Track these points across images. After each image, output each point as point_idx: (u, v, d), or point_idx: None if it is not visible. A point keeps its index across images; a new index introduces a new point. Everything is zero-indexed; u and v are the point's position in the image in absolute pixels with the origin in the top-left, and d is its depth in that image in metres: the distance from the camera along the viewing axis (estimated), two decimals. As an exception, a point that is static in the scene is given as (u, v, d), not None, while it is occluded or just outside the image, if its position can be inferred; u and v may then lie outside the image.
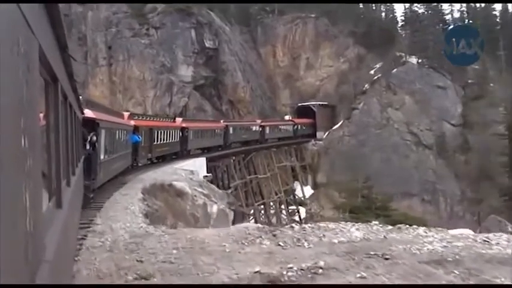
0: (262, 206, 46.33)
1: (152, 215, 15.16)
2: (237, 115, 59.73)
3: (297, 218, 54.20)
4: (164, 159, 32.01)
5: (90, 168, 14.79)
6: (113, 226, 12.55)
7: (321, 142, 59.68)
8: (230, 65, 60.95)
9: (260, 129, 51.78)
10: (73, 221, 6.80)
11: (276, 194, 50.36)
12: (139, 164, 27.27)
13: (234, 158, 42.29)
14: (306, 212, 55.03)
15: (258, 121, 53.58)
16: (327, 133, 60.76)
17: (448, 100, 53.85)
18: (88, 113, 14.98)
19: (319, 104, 63.63)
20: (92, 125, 15.26)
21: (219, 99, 61.25)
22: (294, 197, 54.50)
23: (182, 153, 34.22)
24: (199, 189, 21.98)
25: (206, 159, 34.29)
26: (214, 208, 20.97)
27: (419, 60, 58.43)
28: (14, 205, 1.77)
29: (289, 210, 52.93)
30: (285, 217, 52.04)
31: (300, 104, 64.50)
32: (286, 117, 63.08)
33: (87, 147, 14.74)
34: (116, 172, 20.55)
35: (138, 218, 13.96)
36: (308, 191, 57.36)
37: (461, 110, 54.63)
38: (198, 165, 32.34)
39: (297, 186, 56.41)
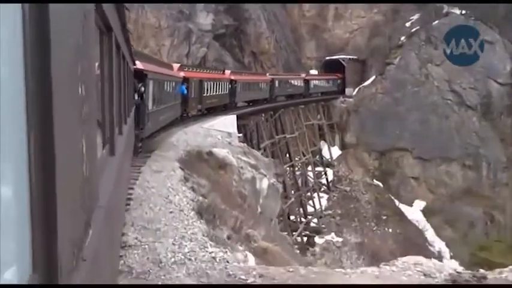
0: (289, 168, 41.97)
1: (205, 210, 10.75)
2: (259, 68, 54.56)
3: (324, 180, 49.98)
4: (215, 110, 31.96)
5: (138, 118, 15.06)
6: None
7: (350, 99, 54.79)
8: (253, 13, 55.44)
9: (304, 83, 51.37)
10: (125, 168, 7.20)
11: (304, 155, 45.91)
12: (189, 116, 27.70)
13: (263, 115, 37.77)
14: (334, 175, 50.70)
15: (303, 75, 52.63)
16: (357, 89, 55.68)
17: (496, 56, 48.48)
18: (137, 64, 15.07)
19: (349, 58, 58.23)
20: (140, 75, 15.50)
21: (240, 50, 56.06)
22: (321, 158, 50.09)
23: (231, 105, 34.67)
24: (244, 158, 17.43)
25: (236, 117, 29.69)
26: (265, 183, 16.50)
27: (463, 12, 52.51)
28: (72, 150, 1.80)
29: (316, 172, 48.54)
30: (312, 179, 47.77)
31: (328, 58, 59.27)
32: (312, 72, 57.86)
33: (136, 97, 14.88)
34: (164, 122, 20.82)
35: (190, 220, 9.66)
36: (336, 152, 52.95)
37: (510, 68, 49.19)
38: (229, 123, 27.84)
39: (324, 146, 51.87)
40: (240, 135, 28.25)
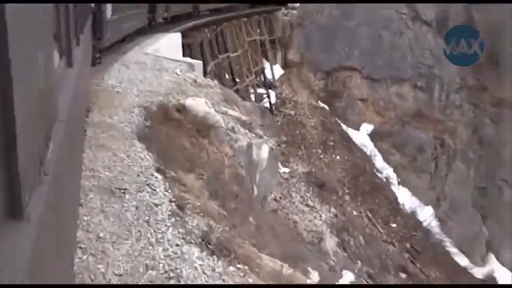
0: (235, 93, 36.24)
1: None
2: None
3: (267, 104, 44.82)
4: (179, 19, 30.73)
5: (95, 27, 13.72)
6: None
7: (294, 11, 48.63)
8: None
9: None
10: (83, 81, 6.64)
11: (247, 77, 40.19)
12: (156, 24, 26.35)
13: (206, 30, 31.40)
14: (277, 97, 45.63)
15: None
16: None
17: (454, -34, 43.89)
18: None
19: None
20: None
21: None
22: (264, 79, 44.55)
23: (194, 14, 34.20)
24: (231, 111, 11.57)
25: (182, 35, 23.25)
26: (265, 150, 10.72)
27: None
28: (28, 61, 1.80)
29: (258, 95, 43.23)
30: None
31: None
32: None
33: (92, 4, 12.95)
34: (127, 32, 20.07)
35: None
36: (278, 71, 47.44)
37: (469, -20, 45.12)
38: (174, 44, 21.32)
39: (267, 65, 46.22)
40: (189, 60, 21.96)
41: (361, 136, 45.33)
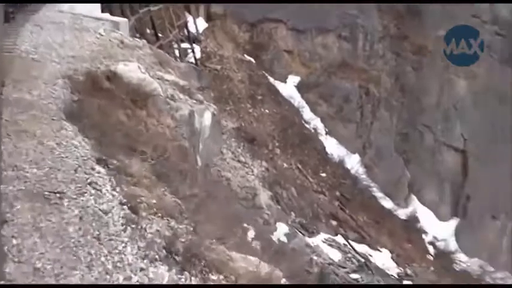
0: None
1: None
2: None
3: (192, 58, 43.29)
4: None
5: None
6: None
7: (214, -40, 46.47)
8: None
9: None
10: None
11: (170, 32, 38.39)
12: None
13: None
14: (201, 52, 44.14)
15: None
16: None
17: None
18: None
19: None
20: None
21: None
22: (188, 33, 42.77)
23: None
24: (168, 76, 10.66)
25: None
26: (207, 117, 10.10)
27: None
28: None
29: (183, 50, 41.58)
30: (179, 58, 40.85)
31: None
32: None
33: None
34: None
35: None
36: (201, 24, 45.67)
37: None
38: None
39: (190, 19, 44.31)
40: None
41: (289, 88, 45.22)
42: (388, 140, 44.53)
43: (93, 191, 6.64)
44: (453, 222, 44.77)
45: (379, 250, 38.18)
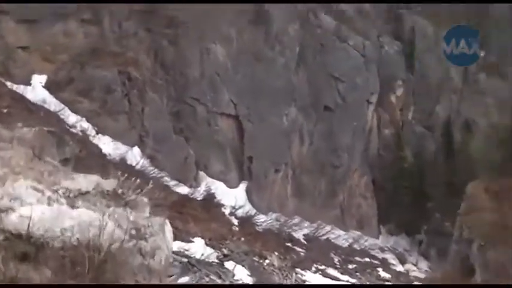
0: None
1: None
2: None
3: None
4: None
5: None
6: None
7: None
8: None
9: None
10: None
11: None
12: None
13: None
14: None
15: None
16: None
17: None
18: None
19: None
20: None
21: None
22: None
23: None
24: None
25: None
26: None
27: None
28: None
29: None
30: None
31: None
32: None
33: None
34: None
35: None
36: None
37: None
38: None
39: None
40: None
41: (38, 91, 37.79)
42: (164, 123, 41.71)
43: None
44: (243, 186, 45.45)
45: (192, 241, 36.17)
